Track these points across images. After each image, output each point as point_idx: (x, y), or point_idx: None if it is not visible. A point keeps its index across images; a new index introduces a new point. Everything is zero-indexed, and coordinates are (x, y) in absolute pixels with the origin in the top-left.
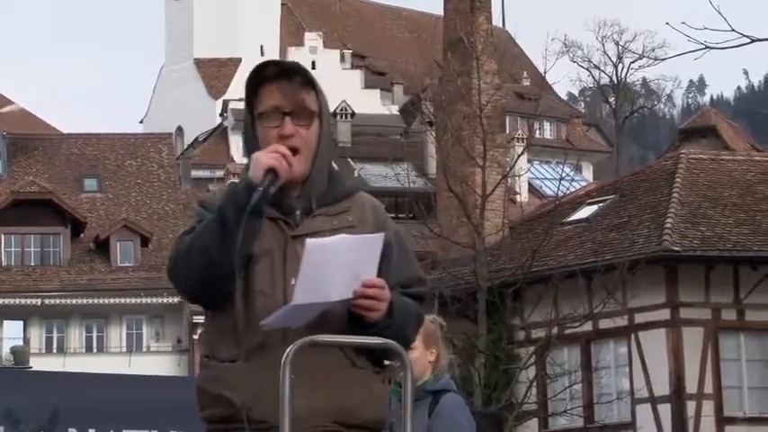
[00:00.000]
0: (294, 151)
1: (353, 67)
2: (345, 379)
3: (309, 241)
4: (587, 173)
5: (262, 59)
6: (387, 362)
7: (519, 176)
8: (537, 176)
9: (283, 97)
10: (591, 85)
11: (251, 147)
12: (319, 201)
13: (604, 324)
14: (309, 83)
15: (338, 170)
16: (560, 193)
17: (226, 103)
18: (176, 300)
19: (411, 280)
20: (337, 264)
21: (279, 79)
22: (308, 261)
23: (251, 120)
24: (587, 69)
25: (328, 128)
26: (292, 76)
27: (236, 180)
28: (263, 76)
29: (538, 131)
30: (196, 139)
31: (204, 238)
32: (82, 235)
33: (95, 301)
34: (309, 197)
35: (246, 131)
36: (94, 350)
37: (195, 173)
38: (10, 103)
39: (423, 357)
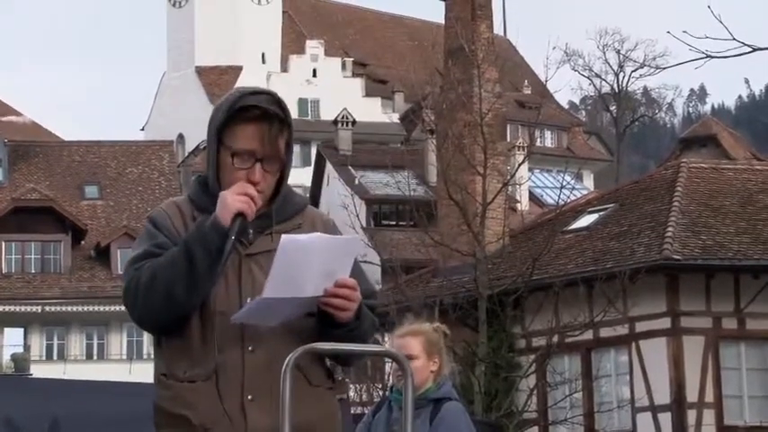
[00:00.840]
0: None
1: (354, 75)
2: (303, 397)
3: (284, 237)
4: (588, 181)
5: (263, 67)
6: (338, 377)
7: (520, 185)
8: (538, 185)
9: (260, 143)
10: (592, 94)
11: (212, 170)
12: (278, 219)
13: (605, 332)
14: (286, 125)
15: (288, 186)
16: (561, 202)
17: None
18: None
19: (367, 291)
20: (311, 261)
21: (260, 122)
22: (282, 256)
23: (217, 144)
24: (588, 78)
25: (291, 162)
26: (273, 121)
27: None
28: (245, 115)
29: (539, 140)
30: (197, 147)
31: (169, 275)
32: (83, 242)
33: (96, 308)
34: (267, 217)
35: (210, 154)
36: (95, 357)
37: None
38: (12, 111)
39: (425, 367)
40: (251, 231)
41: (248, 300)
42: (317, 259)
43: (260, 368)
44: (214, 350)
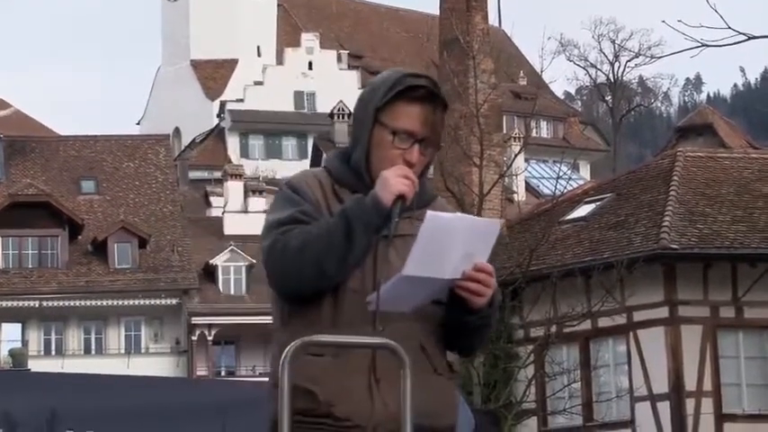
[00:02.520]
0: None
1: (350, 67)
2: (428, 385)
3: (430, 213)
4: (584, 171)
5: (259, 61)
6: (455, 369)
7: (516, 176)
8: (534, 175)
9: (422, 125)
10: (587, 84)
11: (361, 144)
12: (412, 205)
13: (603, 322)
14: (444, 108)
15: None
16: (558, 192)
17: (223, 104)
18: (175, 301)
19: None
20: (453, 241)
21: (424, 103)
22: (425, 233)
23: (373, 122)
24: (584, 68)
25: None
26: (437, 103)
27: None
28: (412, 94)
29: (535, 130)
30: (193, 141)
31: (322, 247)
32: (80, 237)
33: (94, 302)
34: (403, 200)
35: (362, 130)
36: (93, 352)
37: (193, 174)
38: (7, 106)
39: None
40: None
41: (382, 282)
42: (459, 239)
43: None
44: (345, 326)
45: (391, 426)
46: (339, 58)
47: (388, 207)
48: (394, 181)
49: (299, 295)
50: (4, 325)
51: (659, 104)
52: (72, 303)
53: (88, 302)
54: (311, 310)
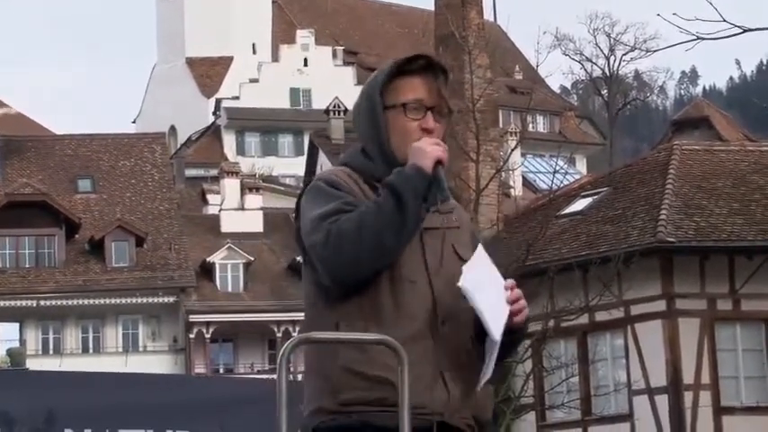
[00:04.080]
0: None
1: (345, 63)
2: (479, 382)
3: (464, 282)
4: (581, 166)
5: (254, 58)
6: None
7: (513, 170)
8: (531, 170)
9: (428, 92)
10: (583, 78)
11: (377, 133)
12: (440, 197)
13: (600, 316)
14: (446, 76)
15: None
16: (554, 187)
17: (218, 101)
18: (172, 299)
19: None
20: (490, 281)
21: (424, 73)
22: (476, 295)
23: (381, 107)
24: (579, 62)
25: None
26: (438, 72)
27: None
28: (410, 68)
29: (531, 125)
30: (189, 138)
31: (377, 222)
32: (76, 236)
33: (91, 301)
34: (435, 192)
35: (375, 117)
36: (91, 351)
37: (189, 172)
38: (2, 105)
39: None
40: (424, 205)
41: (433, 273)
42: (489, 274)
43: (451, 339)
44: (408, 316)
45: (461, 413)
46: (334, 55)
47: (431, 173)
48: (429, 148)
49: (361, 279)
50: (1, 324)
51: (655, 98)
52: (69, 302)
53: (86, 301)
54: (370, 302)
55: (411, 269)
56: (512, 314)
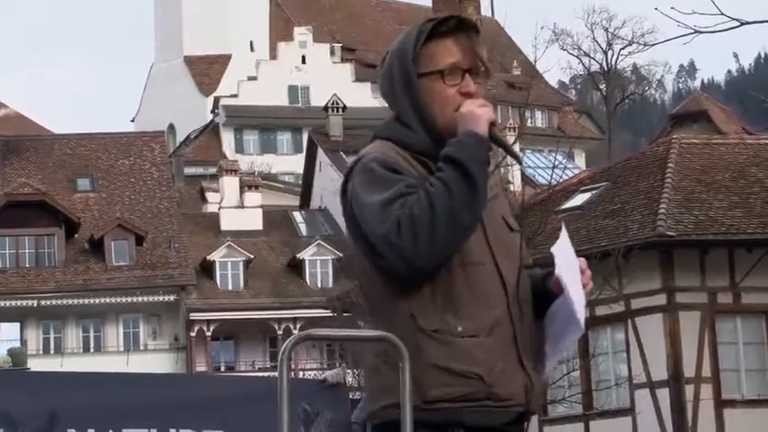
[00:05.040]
0: None
1: (344, 60)
2: (543, 360)
3: (552, 248)
4: (580, 160)
5: (252, 55)
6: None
7: (511, 166)
8: (529, 165)
9: (463, 54)
10: (581, 73)
11: (415, 103)
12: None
13: (601, 311)
14: (477, 33)
15: None
16: (553, 182)
17: (217, 99)
18: (172, 297)
19: None
20: (571, 261)
21: (456, 33)
22: (562, 268)
23: (416, 75)
24: (577, 57)
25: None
26: (470, 31)
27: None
28: (440, 30)
29: (529, 120)
30: (188, 137)
31: (450, 200)
32: (76, 235)
33: (91, 300)
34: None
35: (411, 86)
36: (92, 350)
37: (188, 170)
38: (1, 105)
39: None
40: None
41: (496, 252)
42: (571, 255)
43: (523, 324)
44: (485, 303)
45: (540, 400)
46: (332, 52)
47: (486, 135)
48: (479, 110)
49: (439, 264)
50: (2, 324)
51: (653, 92)
52: (70, 302)
53: (86, 300)
54: (444, 290)
55: (478, 251)
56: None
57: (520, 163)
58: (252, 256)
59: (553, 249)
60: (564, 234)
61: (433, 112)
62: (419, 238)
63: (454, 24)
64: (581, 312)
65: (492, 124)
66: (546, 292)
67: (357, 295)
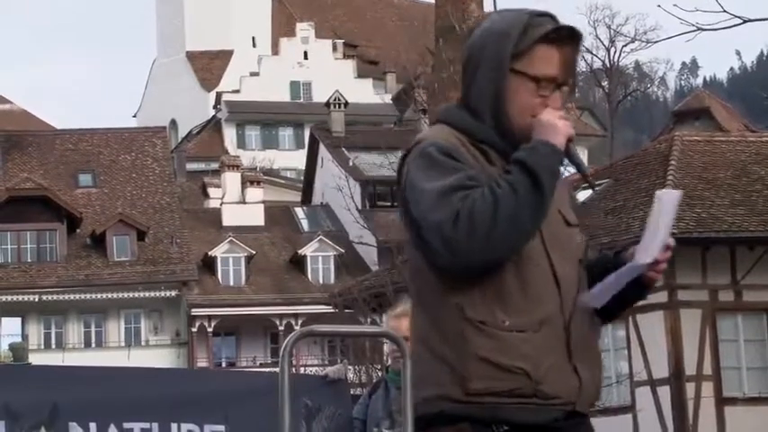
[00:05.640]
0: None
1: (345, 56)
2: (599, 355)
3: (658, 192)
4: (582, 157)
5: (254, 51)
6: None
7: None
8: None
9: (564, 68)
10: (583, 70)
11: (496, 95)
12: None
13: None
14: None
15: None
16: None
17: (219, 95)
18: (174, 293)
19: None
20: (665, 220)
21: (563, 45)
22: (654, 215)
23: (508, 69)
24: (580, 54)
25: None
26: (577, 44)
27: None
28: (550, 36)
29: None
30: (190, 132)
31: (514, 204)
32: (78, 230)
33: (93, 296)
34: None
35: (498, 77)
36: (93, 345)
37: (190, 166)
38: (3, 100)
39: None
40: None
41: (551, 249)
42: (668, 217)
43: (576, 321)
44: (536, 300)
45: (591, 399)
46: (334, 48)
47: (563, 150)
48: (560, 123)
49: (495, 263)
50: (3, 319)
51: (655, 89)
52: (71, 297)
53: (88, 296)
54: (494, 283)
55: (531, 246)
56: (659, 272)
57: (591, 186)
58: (253, 252)
59: (659, 193)
60: (675, 195)
61: (511, 111)
62: (475, 234)
63: (566, 35)
64: (648, 248)
65: (569, 140)
66: (616, 266)
67: (406, 282)
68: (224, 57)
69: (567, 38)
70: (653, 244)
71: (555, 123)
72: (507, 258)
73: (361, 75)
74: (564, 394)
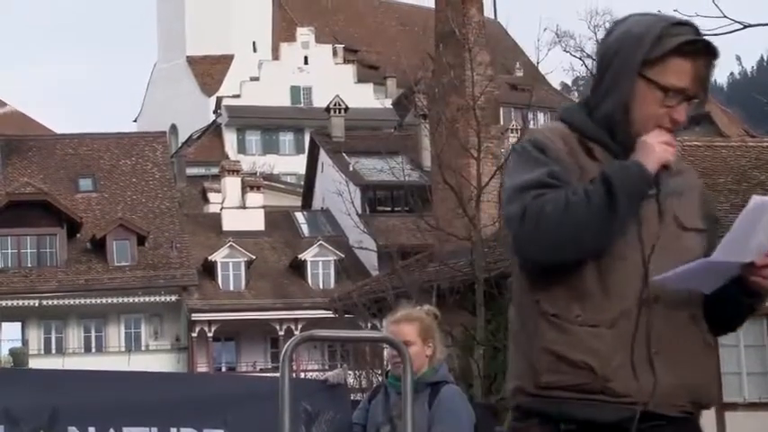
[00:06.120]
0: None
1: (346, 61)
2: (701, 356)
3: (757, 198)
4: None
5: (254, 56)
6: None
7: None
8: None
9: (695, 82)
10: (584, 75)
11: (617, 97)
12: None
13: None
14: (712, 69)
15: None
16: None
17: (219, 99)
18: (174, 298)
19: None
20: (760, 225)
21: (696, 58)
22: (746, 216)
23: (636, 74)
24: (580, 59)
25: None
26: (710, 58)
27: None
28: (683, 48)
29: (532, 122)
30: (190, 137)
31: (582, 216)
32: (78, 235)
33: (93, 300)
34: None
35: (620, 80)
36: (93, 350)
37: (190, 170)
38: (3, 104)
39: (421, 352)
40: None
41: (648, 247)
42: (764, 224)
43: (663, 319)
44: (616, 296)
45: (673, 401)
46: (335, 53)
47: (651, 178)
48: (660, 148)
49: (554, 264)
50: (3, 324)
51: None
52: (71, 302)
53: (88, 300)
54: (575, 275)
55: (623, 244)
56: (762, 277)
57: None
58: (253, 257)
59: (758, 198)
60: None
61: (635, 117)
62: (538, 235)
63: (701, 48)
64: (728, 250)
65: (664, 167)
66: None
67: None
68: (224, 61)
69: (703, 51)
70: (745, 246)
71: (652, 146)
72: (569, 262)
73: (361, 80)
74: (634, 393)
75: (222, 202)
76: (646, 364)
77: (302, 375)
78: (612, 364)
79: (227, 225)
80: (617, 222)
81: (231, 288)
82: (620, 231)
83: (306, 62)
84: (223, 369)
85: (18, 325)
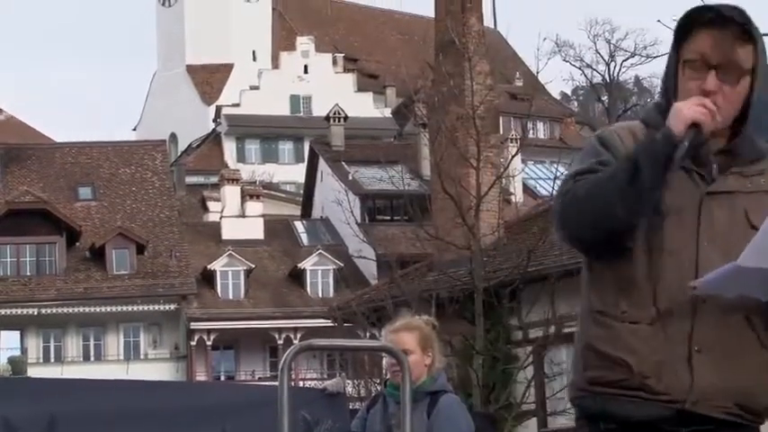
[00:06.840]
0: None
1: (346, 70)
2: (753, 359)
3: None
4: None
5: (254, 65)
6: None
7: (513, 177)
8: (531, 176)
9: (712, 48)
10: (583, 84)
11: (668, 92)
12: (738, 159)
13: None
14: (747, 34)
15: (751, 129)
16: (555, 193)
17: (219, 108)
18: (173, 306)
19: None
20: None
21: (712, 26)
22: None
23: (675, 63)
24: (580, 68)
25: (763, 84)
26: (728, 25)
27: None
28: (696, 20)
29: (531, 131)
30: (190, 146)
31: (607, 188)
32: (77, 243)
33: (92, 309)
34: (728, 153)
35: (668, 70)
36: (92, 359)
37: (189, 179)
38: (2, 112)
39: (420, 361)
40: (715, 167)
41: (705, 243)
42: None
43: (710, 318)
44: (663, 292)
45: (714, 401)
46: (334, 62)
47: (679, 137)
48: (687, 109)
49: (592, 245)
50: (2, 333)
51: None
52: (70, 310)
53: (87, 309)
54: (624, 269)
55: (675, 238)
56: None
57: (698, 180)
58: (253, 266)
59: None
60: None
61: (679, 99)
62: (571, 215)
63: (710, 17)
64: (756, 251)
65: (695, 126)
66: None
67: None
68: (224, 70)
69: (720, 21)
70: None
71: (680, 109)
72: (605, 240)
73: (360, 89)
74: (674, 391)
75: (221, 211)
76: (685, 362)
77: (301, 384)
78: (649, 361)
79: (227, 234)
80: (642, 187)
81: (230, 297)
82: (649, 201)
83: (305, 71)
84: (222, 378)
85: (17, 333)
